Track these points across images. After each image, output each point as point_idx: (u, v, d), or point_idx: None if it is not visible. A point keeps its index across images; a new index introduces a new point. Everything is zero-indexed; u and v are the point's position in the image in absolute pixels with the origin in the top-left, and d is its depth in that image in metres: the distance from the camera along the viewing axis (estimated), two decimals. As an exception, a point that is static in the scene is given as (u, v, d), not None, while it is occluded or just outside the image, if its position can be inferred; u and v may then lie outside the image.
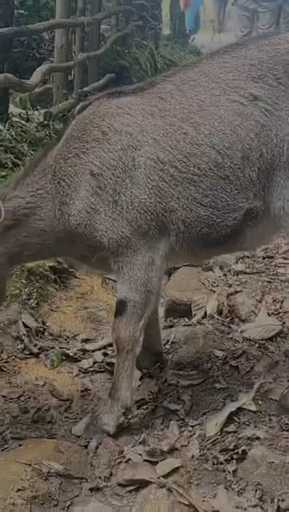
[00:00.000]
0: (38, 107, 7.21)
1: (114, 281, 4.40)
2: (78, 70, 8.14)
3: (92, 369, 3.55)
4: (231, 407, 3.01)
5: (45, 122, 6.66)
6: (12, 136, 5.67)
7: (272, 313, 3.88)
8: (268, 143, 2.71)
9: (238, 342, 3.60)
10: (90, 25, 8.66)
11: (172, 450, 2.83)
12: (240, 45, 2.89)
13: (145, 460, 2.76)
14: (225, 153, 2.71)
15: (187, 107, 2.75)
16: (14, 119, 6.29)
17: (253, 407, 3.02)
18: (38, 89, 6.81)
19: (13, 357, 3.51)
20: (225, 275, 4.45)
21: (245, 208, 2.77)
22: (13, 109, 6.55)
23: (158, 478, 2.61)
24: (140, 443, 2.86)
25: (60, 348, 3.69)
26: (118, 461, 2.78)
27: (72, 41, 8.39)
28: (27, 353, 3.58)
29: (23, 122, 6.35)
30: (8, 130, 5.72)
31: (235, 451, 2.74)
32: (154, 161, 2.72)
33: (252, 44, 2.86)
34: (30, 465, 2.57)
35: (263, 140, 2.70)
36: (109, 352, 3.62)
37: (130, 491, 2.62)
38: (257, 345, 3.57)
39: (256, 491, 2.52)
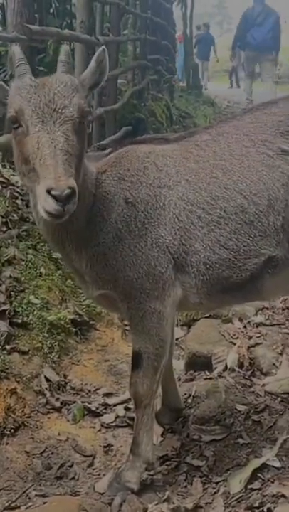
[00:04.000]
0: (58, 161, 7.35)
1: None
2: (96, 123, 8.32)
3: (114, 424, 3.56)
4: (255, 463, 2.98)
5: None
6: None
7: (294, 365, 3.87)
8: None
9: (260, 396, 3.59)
10: (108, 81, 8.89)
11: (197, 508, 2.82)
12: (271, 103, 3.04)
13: (170, 518, 2.74)
14: (251, 199, 2.79)
15: (219, 155, 2.87)
16: (35, 173, 6.41)
17: (277, 464, 2.99)
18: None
19: (36, 411, 3.52)
20: (245, 327, 4.45)
21: (267, 255, 2.82)
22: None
23: (183, 537, 2.59)
24: (164, 500, 2.85)
25: (82, 402, 3.70)
26: (142, 519, 2.76)
27: (91, 96, 8.61)
28: (49, 407, 3.59)
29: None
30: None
31: (261, 509, 2.70)
32: (185, 201, 2.80)
33: (283, 102, 3.00)
34: (55, 524, 2.57)
35: None
36: (131, 406, 3.62)
37: None
38: (279, 399, 3.55)
39: None
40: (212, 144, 2.92)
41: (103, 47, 2.75)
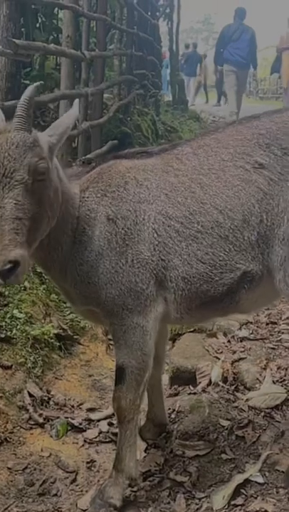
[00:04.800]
0: (43, 174, 7.33)
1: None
2: (82, 137, 8.33)
3: (97, 439, 3.54)
4: (238, 479, 2.98)
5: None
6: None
7: (277, 380, 3.88)
8: (268, 211, 2.78)
9: (244, 411, 3.59)
10: (93, 95, 8.92)
11: (179, 524, 2.80)
12: (254, 117, 3.03)
13: (152, 535, 2.73)
14: (226, 214, 2.79)
15: (198, 169, 2.87)
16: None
17: (260, 479, 2.99)
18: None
19: (19, 427, 3.49)
20: (229, 341, 4.46)
21: (242, 270, 2.82)
22: (19, 176, 6.65)
23: None
24: (147, 517, 2.83)
25: (65, 417, 3.67)
26: (125, 536, 2.74)
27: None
28: (32, 423, 3.56)
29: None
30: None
31: (244, 525, 2.71)
32: (164, 216, 2.80)
33: (265, 117, 3.00)
34: None
35: (265, 207, 2.78)
36: (114, 422, 3.60)
37: None
38: (263, 414, 3.56)
39: None
40: (192, 157, 2.92)
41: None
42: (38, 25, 9.73)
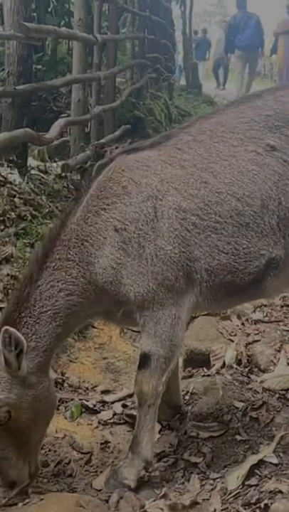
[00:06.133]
0: (56, 159, 7.36)
1: (133, 331, 4.45)
2: (94, 122, 8.31)
3: (111, 421, 3.55)
4: (252, 459, 2.97)
5: (63, 174, 6.78)
6: (31, 188, 5.76)
7: (291, 362, 3.87)
8: (286, 192, 2.75)
9: (258, 392, 3.58)
10: (106, 79, 8.89)
11: (194, 504, 2.79)
12: (256, 95, 2.98)
13: (166, 515, 2.74)
14: (245, 201, 2.75)
15: (206, 157, 2.79)
16: (33, 171, 6.42)
17: (275, 460, 2.98)
18: (55, 141, 6.95)
19: (33, 409, 3.51)
20: (243, 324, 4.45)
21: (267, 257, 2.80)
22: (31, 161, 6.68)
23: (180, 533, 2.59)
24: (161, 497, 2.83)
25: (80, 399, 3.69)
26: (139, 515, 2.76)
27: (89, 94, 8.60)
28: (47, 404, 3.58)
29: (42, 175, 6.48)
30: (27, 183, 5.82)
31: (258, 505, 2.69)
32: (176, 210, 2.73)
33: (268, 95, 2.93)
34: (51, 520, 2.56)
35: (282, 189, 2.76)
36: (129, 403, 3.62)
37: None
38: (277, 395, 3.54)
39: None
40: (195, 145, 2.83)
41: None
42: (49, 9, 9.71)
